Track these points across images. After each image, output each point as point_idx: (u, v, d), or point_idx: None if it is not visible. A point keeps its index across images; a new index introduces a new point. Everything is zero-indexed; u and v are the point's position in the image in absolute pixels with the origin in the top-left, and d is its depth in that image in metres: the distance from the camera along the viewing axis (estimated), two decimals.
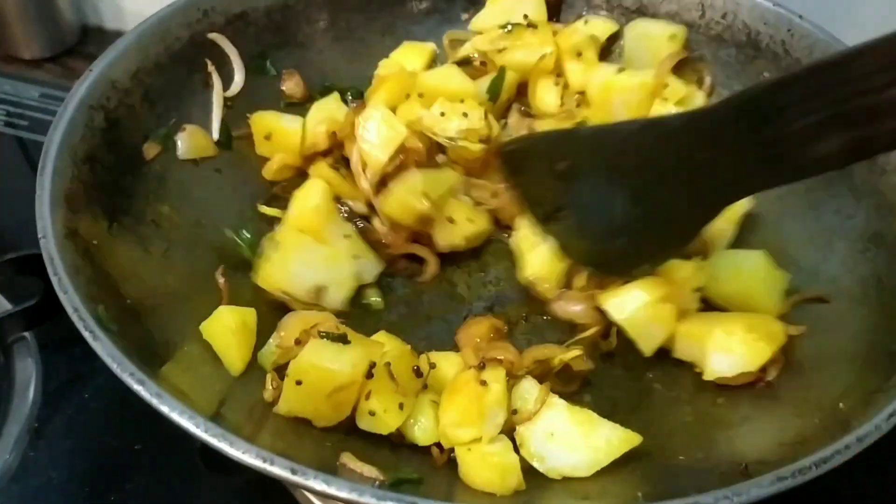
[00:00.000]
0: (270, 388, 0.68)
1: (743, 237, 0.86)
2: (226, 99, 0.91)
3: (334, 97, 0.93)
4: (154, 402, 0.54)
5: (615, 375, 0.78)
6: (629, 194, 0.70)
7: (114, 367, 0.56)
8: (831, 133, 0.53)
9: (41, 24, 1.37)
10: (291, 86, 0.96)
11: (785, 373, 0.73)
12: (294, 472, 0.51)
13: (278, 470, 0.51)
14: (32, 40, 1.38)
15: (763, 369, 0.73)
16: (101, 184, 0.74)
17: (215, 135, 0.89)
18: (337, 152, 0.89)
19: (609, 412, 0.70)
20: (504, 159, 0.82)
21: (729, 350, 0.72)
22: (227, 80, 0.92)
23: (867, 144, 0.54)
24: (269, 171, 0.90)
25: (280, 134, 0.90)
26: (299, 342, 0.68)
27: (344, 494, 0.50)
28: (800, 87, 0.55)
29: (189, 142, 0.85)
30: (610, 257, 0.77)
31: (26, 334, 0.94)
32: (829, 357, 0.73)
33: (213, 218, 0.84)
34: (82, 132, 0.74)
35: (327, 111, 0.90)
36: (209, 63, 0.89)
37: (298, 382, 0.64)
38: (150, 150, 0.82)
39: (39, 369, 0.92)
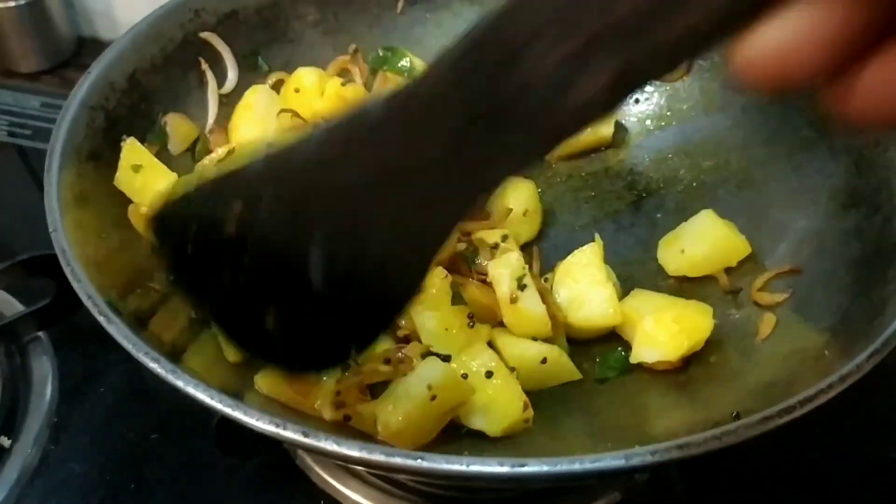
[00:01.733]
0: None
1: (727, 201, 0.89)
2: (221, 95, 0.94)
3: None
4: (170, 377, 0.57)
5: None
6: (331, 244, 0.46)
7: (129, 347, 0.58)
8: (592, 65, 0.34)
9: (37, 38, 1.40)
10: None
11: (774, 329, 0.76)
12: (306, 434, 0.54)
13: (290, 434, 0.54)
14: (30, 54, 1.40)
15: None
16: (105, 180, 0.77)
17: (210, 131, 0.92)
18: None
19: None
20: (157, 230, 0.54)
21: (653, 340, 0.77)
22: (221, 78, 0.94)
23: (641, 67, 0.34)
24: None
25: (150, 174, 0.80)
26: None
27: (355, 454, 0.53)
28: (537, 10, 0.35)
29: (175, 133, 0.87)
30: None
31: (40, 334, 0.97)
32: (815, 310, 0.75)
33: None
34: (84, 132, 0.77)
35: None
36: (203, 61, 0.92)
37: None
38: (150, 148, 0.85)
39: (55, 367, 0.95)
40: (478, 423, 0.70)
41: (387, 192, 0.43)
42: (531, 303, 0.76)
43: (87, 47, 1.46)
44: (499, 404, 0.69)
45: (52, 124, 0.77)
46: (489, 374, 0.70)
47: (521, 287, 0.76)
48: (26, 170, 1.27)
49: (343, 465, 0.88)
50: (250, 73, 0.97)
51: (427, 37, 1.05)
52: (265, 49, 0.98)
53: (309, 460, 0.89)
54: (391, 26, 1.04)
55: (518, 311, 0.76)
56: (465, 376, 0.69)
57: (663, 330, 0.77)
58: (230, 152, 0.84)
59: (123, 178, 0.80)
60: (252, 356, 0.62)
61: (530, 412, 0.70)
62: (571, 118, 0.37)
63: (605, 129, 0.98)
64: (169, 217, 0.52)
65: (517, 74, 0.36)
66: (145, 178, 0.79)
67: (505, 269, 0.77)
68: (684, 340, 0.76)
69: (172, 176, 0.82)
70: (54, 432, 0.90)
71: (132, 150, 0.81)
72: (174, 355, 0.64)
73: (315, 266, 0.45)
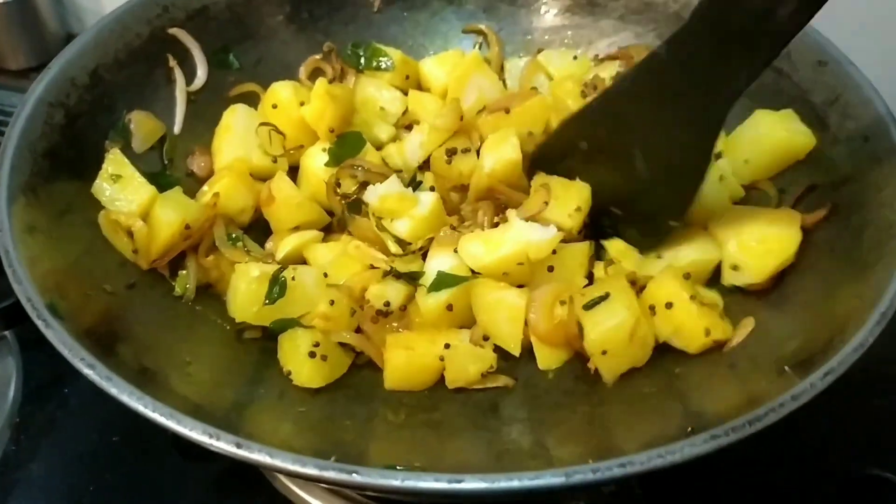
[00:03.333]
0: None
1: None
2: (189, 93, 0.92)
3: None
4: (103, 384, 0.56)
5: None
6: (644, 142, 0.76)
7: (65, 352, 0.57)
8: None
9: (26, 35, 1.40)
10: (201, 164, 0.92)
11: (746, 337, 0.74)
12: (239, 445, 0.52)
13: (223, 444, 0.53)
14: (18, 51, 1.40)
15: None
16: (62, 179, 0.75)
17: (177, 129, 0.90)
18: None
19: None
20: (536, 162, 0.86)
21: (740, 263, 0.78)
22: (189, 75, 0.93)
23: None
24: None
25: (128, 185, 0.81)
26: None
27: (287, 466, 0.52)
28: None
29: (140, 131, 0.86)
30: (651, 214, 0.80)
31: (6, 334, 0.96)
32: (784, 323, 0.73)
33: None
34: (41, 129, 0.75)
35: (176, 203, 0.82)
36: (171, 58, 0.90)
37: None
38: (112, 146, 0.83)
39: (20, 368, 0.94)
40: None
41: (680, 97, 0.72)
42: None
43: None
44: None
45: None
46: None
47: None
48: None
49: None
50: (221, 71, 0.95)
51: (403, 35, 1.03)
52: (237, 46, 0.96)
53: None
54: (367, 24, 1.02)
55: None
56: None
57: (748, 253, 0.77)
58: (216, 195, 0.85)
59: (101, 187, 0.80)
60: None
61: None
62: (785, 25, 0.63)
63: None
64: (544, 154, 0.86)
65: (744, 13, 0.64)
66: (123, 189, 0.81)
67: None
68: (770, 262, 0.76)
69: (152, 189, 0.81)
70: (15, 433, 0.90)
71: (114, 161, 0.82)
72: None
73: (639, 161, 0.77)
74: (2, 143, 0.72)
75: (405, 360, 0.75)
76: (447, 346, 0.75)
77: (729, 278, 0.79)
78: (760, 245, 0.76)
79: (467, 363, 0.76)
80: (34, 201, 0.71)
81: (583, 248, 0.80)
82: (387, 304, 0.78)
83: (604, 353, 0.73)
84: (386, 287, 0.79)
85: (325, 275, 0.81)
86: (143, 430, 0.88)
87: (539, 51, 1.01)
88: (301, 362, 0.74)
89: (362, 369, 0.79)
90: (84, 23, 1.46)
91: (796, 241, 0.76)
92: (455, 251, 0.80)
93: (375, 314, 0.78)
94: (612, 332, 0.72)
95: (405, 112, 0.98)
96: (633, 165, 0.78)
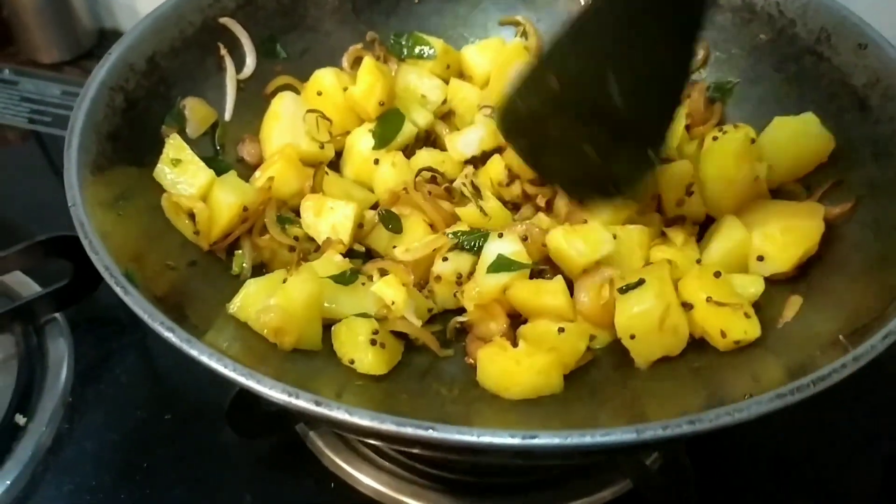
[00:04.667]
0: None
1: None
2: (238, 81, 0.95)
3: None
4: (184, 347, 0.57)
5: None
6: (618, 64, 0.72)
7: (145, 317, 0.59)
8: None
9: (59, 29, 1.42)
10: (251, 151, 0.94)
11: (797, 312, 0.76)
12: (318, 403, 0.54)
13: (303, 402, 0.54)
14: (52, 45, 1.43)
15: None
16: (124, 160, 0.77)
17: (228, 116, 0.92)
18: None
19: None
20: (504, 119, 0.84)
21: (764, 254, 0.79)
22: (239, 63, 0.95)
23: None
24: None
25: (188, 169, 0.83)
26: None
27: (366, 423, 0.53)
28: None
29: (194, 117, 0.89)
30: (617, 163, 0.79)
31: (57, 315, 0.98)
32: (832, 295, 0.75)
33: None
34: (104, 111, 0.77)
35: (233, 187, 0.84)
36: (221, 47, 0.93)
37: None
38: (168, 131, 0.86)
39: (71, 348, 0.96)
40: None
41: (642, 24, 0.69)
42: None
43: (108, 39, 1.48)
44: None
45: (71, 112, 0.78)
46: None
47: None
48: (45, 156, 1.29)
49: (354, 449, 0.88)
50: (269, 60, 0.98)
51: (443, 26, 1.06)
52: (283, 36, 0.98)
53: (320, 443, 0.89)
54: (407, 15, 1.05)
55: None
56: None
57: (772, 243, 0.79)
58: (270, 179, 0.87)
59: (162, 171, 0.83)
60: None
61: None
62: None
63: None
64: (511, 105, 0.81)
65: None
66: (184, 173, 0.83)
67: None
68: (794, 251, 0.78)
69: (210, 173, 0.83)
70: (69, 412, 0.91)
71: (174, 146, 0.84)
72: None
73: (613, 88, 0.71)
74: (69, 124, 0.74)
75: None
76: None
77: (755, 269, 0.80)
78: (784, 235, 0.79)
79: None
80: (101, 180, 0.73)
81: (642, 233, 0.82)
82: (459, 276, 0.80)
83: (632, 337, 0.74)
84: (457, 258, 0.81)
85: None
86: (194, 408, 0.92)
87: None
88: (364, 350, 0.75)
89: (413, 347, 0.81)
90: (116, 18, 1.49)
91: (819, 230, 0.78)
92: (523, 238, 0.81)
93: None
94: (639, 317, 0.74)
95: (444, 101, 1.00)
96: (607, 93, 0.73)
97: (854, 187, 0.82)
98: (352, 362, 0.74)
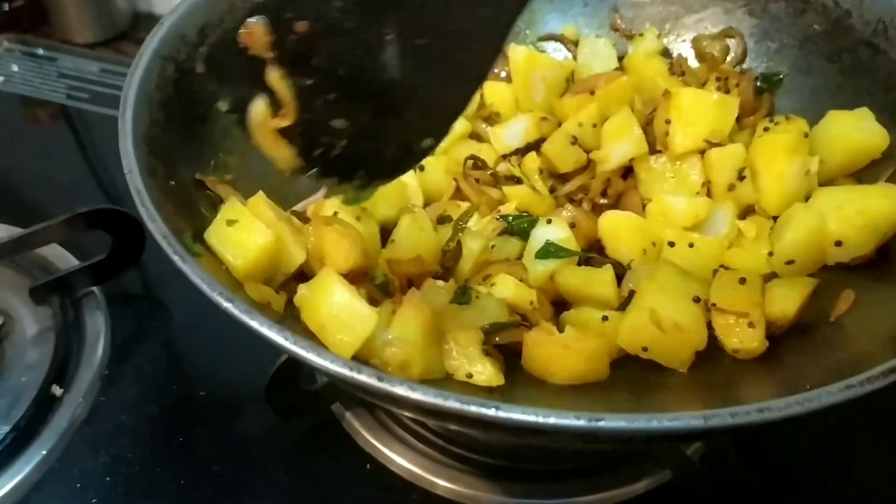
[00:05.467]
0: None
1: None
2: None
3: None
4: (244, 318, 0.56)
5: None
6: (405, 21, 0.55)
7: (203, 287, 0.58)
8: None
9: (95, 10, 1.43)
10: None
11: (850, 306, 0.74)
12: (381, 379, 0.53)
13: (365, 378, 0.53)
14: (86, 26, 1.43)
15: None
16: (175, 130, 0.77)
17: None
18: None
19: None
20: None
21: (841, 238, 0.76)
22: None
23: None
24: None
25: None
26: None
27: (429, 399, 0.52)
28: None
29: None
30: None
31: (95, 289, 0.98)
32: (879, 294, 0.74)
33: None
34: (156, 81, 0.77)
35: None
36: None
37: None
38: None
39: (108, 322, 0.96)
40: None
41: None
42: None
43: (142, 21, 1.48)
44: None
45: (109, 89, 0.77)
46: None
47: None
48: (71, 132, 1.29)
49: (390, 431, 0.88)
50: None
51: None
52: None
53: (356, 424, 0.89)
54: None
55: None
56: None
57: (849, 227, 0.76)
58: None
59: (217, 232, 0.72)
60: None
61: None
62: None
63: None
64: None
65: None
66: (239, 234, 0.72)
67: None
68: (873, 233, 0.75)
69: (269, 234, 0.72)
70: (105, 385, 0.91)
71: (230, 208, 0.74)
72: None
73: (390, 51, 0.52)
74: (122, 93, 0.73)
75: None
76: None
77: (834, 255, 0.77)
78: (861, 217, 0.75)
79: None
80: (153, 149, 0.72)
81: (718, 245, 0.81)
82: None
83: (644, 349, 0.72)
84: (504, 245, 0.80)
85: None
86: (230, 386, 0.92)
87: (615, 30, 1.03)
88: (482, 362, 0.71)
89: None
90: (150, 1, 1.48)
91: None
92: (571, 225, 0.81)
93: None
94: (633, 332, 0.72)
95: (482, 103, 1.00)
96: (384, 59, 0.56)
97: None
98: (469, 376, 0.71)
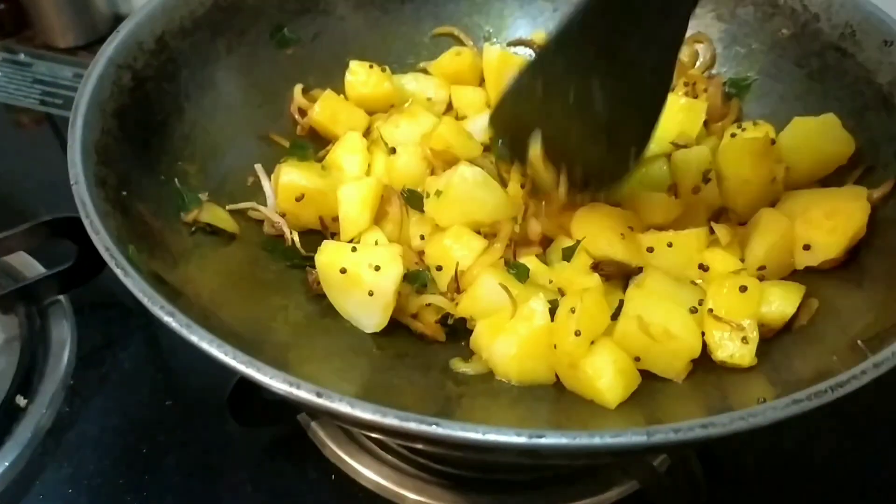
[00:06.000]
0: None
1: None
2: None
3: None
4: (184, 332, 0.56)
5: None
6: (603, 69, 0.71)
7: (145, 301, 0.57)
8: None
9: (75, 14, 1.42)
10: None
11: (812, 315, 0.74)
12: (319, 395, 0.53)
13: (304, 394, 0.53)
14: (67, 29, 1.42)
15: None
16: (129, 139, 0.76)
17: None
18: None
19: None
20: (496, 121, 0.85)
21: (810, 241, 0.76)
22: (251, 49, 0.94)
23: None
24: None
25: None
26: None
27: (368, 416, 0.52)
28: None
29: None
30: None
31: (61, 298, 0.97)
32: (850, 300, 0.73)
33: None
34: (111, 89, 0.76)
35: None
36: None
37: None
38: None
39: (74, 331, 0.95)
40: None
41: (626, 27, 0.67)
42: None
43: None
44: None
45: None
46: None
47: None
48: (56, 138, 1.28)
49: (356, 441, 0.87)
50: (281, 51, 0.96)
51: (459, 14, 1.04)
52: (296, 19, 0.96)
53: (322, 434, 0.88)
54: (424, 2, 1.03)
55: None
56: None
57: (817, 230, 0.75)
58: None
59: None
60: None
61: None
62: None
63: None
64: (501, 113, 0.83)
65: None
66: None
67: None
68: (841, 235, 0.74)
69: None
70: (70, 395, 0.90)
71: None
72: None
73: (596, 91, 0.71)
74: (74, 101, 0.73)
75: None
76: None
77: (803, 260, 0.77)
78: (829, 220, 0.75)
79: None
80: (105, 159, 0.71)
81: (698, 237, 0.79)
82: None
83: (637, 359, 0.71)
84: None
85: None
86: (195, 394, 0.91)
87: None
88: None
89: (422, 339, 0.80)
90: (131, 2, 1.48)
91: (865, 211, 0.75)
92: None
93: None
94: (627, 340, 0.71)
95: (450, 104, 1.00)
96: (591, 97, 0.73)
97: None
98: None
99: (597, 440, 0.51)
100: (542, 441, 0.51)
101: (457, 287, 0.80)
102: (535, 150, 0.79)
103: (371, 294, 0.75)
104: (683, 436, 0.51)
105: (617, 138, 0.75)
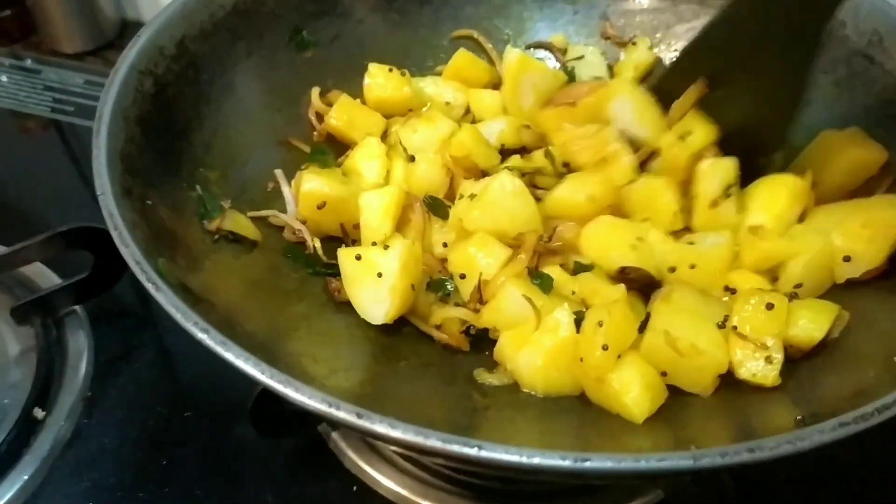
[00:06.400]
0: None
1: None
2: None
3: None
4: (219, 350, 0.55)
5: None
6: (751, 68, 0.79)
7: (177, 316, 0.56)
8: None
9: (82, 20, 1.41)
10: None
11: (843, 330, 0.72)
12: (360, 416, 0.51)
13: (343, 414, 0.52)
14: (74, 35, 1.41)
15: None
16: (152, 146, 0.75)
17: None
18: None
19: None
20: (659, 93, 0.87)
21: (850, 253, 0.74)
22: (270, 52, 0.92)
23: None
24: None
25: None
26: None
27: (409, 438, 0.51)
28: None
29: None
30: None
31: (77, 308, 0.96)
32: (883, 307, 0.72)
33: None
34: (133, 96, 0.75)
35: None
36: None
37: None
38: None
39: (91, 342, 0.94)
40: None
41: (771, 29, 0.76)
42: None
43: (130, 30, 1.46)
44: None
45: (94, 101, 0.75)
46: None
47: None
48: (66, 145, 1.27)
49: (377, 452, 0.86)
50: (299, 54, 0.95)
51: (478, 17, 1.03)
52: (313, 22, 0.95)
53: (343, 444, 0.87)
54: (442, 4, 1.02)
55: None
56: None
57: (856, 240, 0.74)
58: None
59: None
60: None
61: None
62: None
63: None
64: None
65: None
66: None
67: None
68: (882, 242, 0.73)
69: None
70: (88, 406, 0.89)
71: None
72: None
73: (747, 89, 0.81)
74: (97, 110, 0.71)
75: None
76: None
77: (843, 272, 0.75)
78: (867, 229, 0.73)
79: None
80: (129, 168, 0.70)
81: (721, 252, 0.78)
82: None
83: (664, 374, 0.69)
84: None
85: None
86: (216, 406, 0.90)
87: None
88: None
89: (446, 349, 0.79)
90: (139, 8, 1.47)
91: None
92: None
93: None
94: (653, 353, 0.70)
95: (468, 110, 0.99)
96: (744, 95, 0.80)
97: None
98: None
99: (643, 464, 0.50)
100: (588, 465, 0.50)
101: (479, 297, 0.79)
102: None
103: (380, 275, 0.74)
104: (730, 460, 0.50)
105: (758, 140, 0.81)
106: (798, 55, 0.77)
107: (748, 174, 0.80)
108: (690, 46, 0.86)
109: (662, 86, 0.86)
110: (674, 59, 0.88)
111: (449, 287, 0.81)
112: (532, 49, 1.04)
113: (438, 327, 0.79)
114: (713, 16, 0.82)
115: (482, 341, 0.79)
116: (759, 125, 0.81)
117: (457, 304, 0.80)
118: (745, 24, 0.78)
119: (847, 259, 0.74)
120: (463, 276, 0.80)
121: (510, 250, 0.80)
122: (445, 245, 0.84)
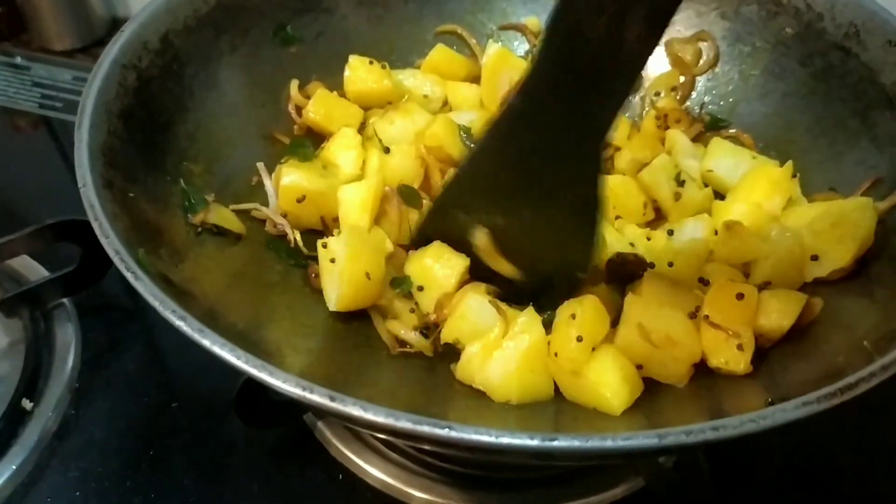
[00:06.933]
0: None
1: None
2: None
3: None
4: (196, 336, 0.56)
5: None
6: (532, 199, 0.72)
7: (156, 305, 0.57)
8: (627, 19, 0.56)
9: (72, 17, 1.42)
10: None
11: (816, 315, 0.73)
12: (332, 399, 0.53)
13: (317, 397, 0.53)
14: (64, 32, 1.42)
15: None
16: (135, 140, 0.76)
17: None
18: None
19: None
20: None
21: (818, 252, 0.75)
22: (254, 47, 0.93)
23: (658, 12, 0.57)
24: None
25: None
26: None
27: (381, 420, 0.52)
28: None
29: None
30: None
31: (65, 301, 0.97)
32: (852, 302, 0.73)
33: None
34: (116, 90, 0.76)
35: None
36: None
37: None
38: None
39: (78, 334, 0.95)
40: None
41: (540, 159, 0.68)
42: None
43: (120, 27, 1.46)
44: None
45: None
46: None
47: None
48: (55, 141, 1.28)
49: (362, 440, 0.87)
50: (284, 49, 0.96)
51: (462, 11, 1.04)
52: (298, 18, 0.96)
53: (328, 434, 0.88)
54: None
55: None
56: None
57: (825, 240, 0.74)
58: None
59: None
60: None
61: None
62: (635, 54, 0.59)
63: None
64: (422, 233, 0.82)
65: (589, 46, 0.58)
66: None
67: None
68: (850, 244, 0.73)
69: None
70: (75, 398, 0.90)
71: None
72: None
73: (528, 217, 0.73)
74: (80, 103, 0.72)
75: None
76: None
77: (812, 271, 0.75)
78: (836, 229, 0.74)
79: None
80: (111, 161, 0.71)
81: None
82: None
83: (639, 367, 0.71)
84: None
85: None
86: (201, 396, 0.91)
87: None
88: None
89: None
90: (129, 6, 1.48)
91: (872, 219, 0.74)
92: None
93: None
94: (630, 348, 0.71)
95: (446, 102, 1.00)
96: (533, 223, 0.73)
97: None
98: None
99: (609, 443, 0.51)
100: (555, 444, 0.51)
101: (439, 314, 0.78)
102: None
103: (332, 261, 0.76)
104: (694, 438, 0.51)
105: (558, 265, 0.75)
106: (578, 173, 0.68)
107: (566, 291, 0.75)
108: (449, 186, 0.79)
109: (427, 232, 0.81)
110: (431, 205, 0.81)
111: (410, 285, 0.80)
112: (504, 31, 1.05)
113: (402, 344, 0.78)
114: (469, 151, 0.78)
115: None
116: (563, 248, 0.74)
117: (412, 311, 0.79)
118: (503, 155, 0.71)
119: (815, 258, 0.75)
120: (421, 289, 0.80)
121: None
122: None
